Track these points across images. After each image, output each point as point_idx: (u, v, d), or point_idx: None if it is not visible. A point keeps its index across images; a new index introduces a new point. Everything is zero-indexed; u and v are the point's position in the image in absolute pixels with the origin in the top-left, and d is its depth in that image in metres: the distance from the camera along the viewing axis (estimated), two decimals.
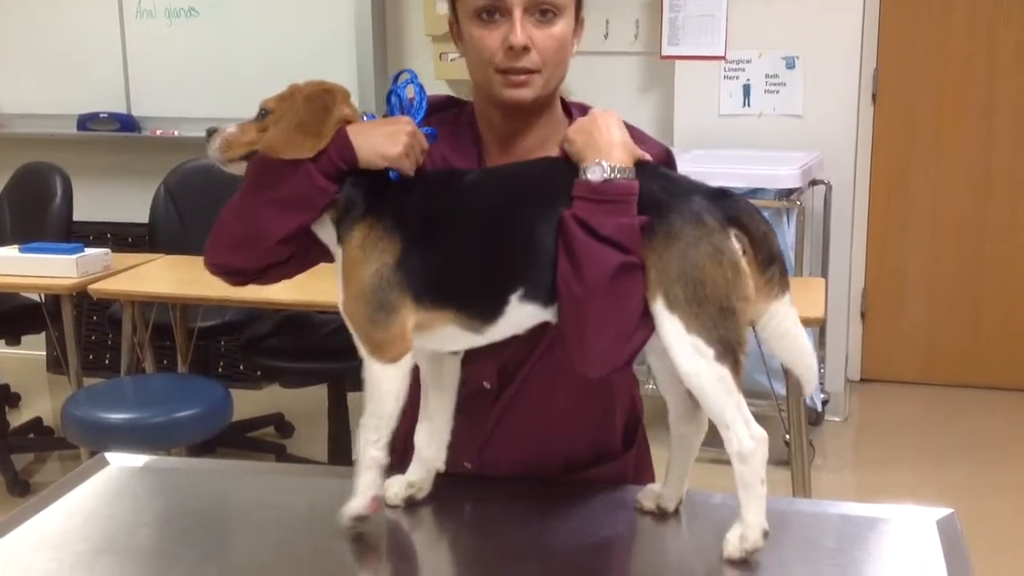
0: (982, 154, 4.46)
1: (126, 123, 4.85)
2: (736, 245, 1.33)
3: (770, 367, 3.63)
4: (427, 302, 1.38)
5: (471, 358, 1.50)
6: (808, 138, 4.15)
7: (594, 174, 1.35)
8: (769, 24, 4.26)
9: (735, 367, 1.31)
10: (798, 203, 3.76)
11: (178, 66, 4.78)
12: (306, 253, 1.47)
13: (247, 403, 4.29)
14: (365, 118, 1.47)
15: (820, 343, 4.30)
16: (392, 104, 1.48)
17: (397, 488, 1.51)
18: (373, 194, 1.41)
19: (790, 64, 4.24)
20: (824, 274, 4.15)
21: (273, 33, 4.66)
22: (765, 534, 1.32)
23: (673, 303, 1.31)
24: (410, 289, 1.37)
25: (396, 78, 1.50)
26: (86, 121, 4.86)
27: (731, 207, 1.35)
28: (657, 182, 1.37)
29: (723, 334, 1.30)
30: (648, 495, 1.51)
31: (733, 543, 1.33)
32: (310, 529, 1.49)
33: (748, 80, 4.26)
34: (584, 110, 1.50)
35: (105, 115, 4.85)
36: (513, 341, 1.44)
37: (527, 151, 1.52)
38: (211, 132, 1.46)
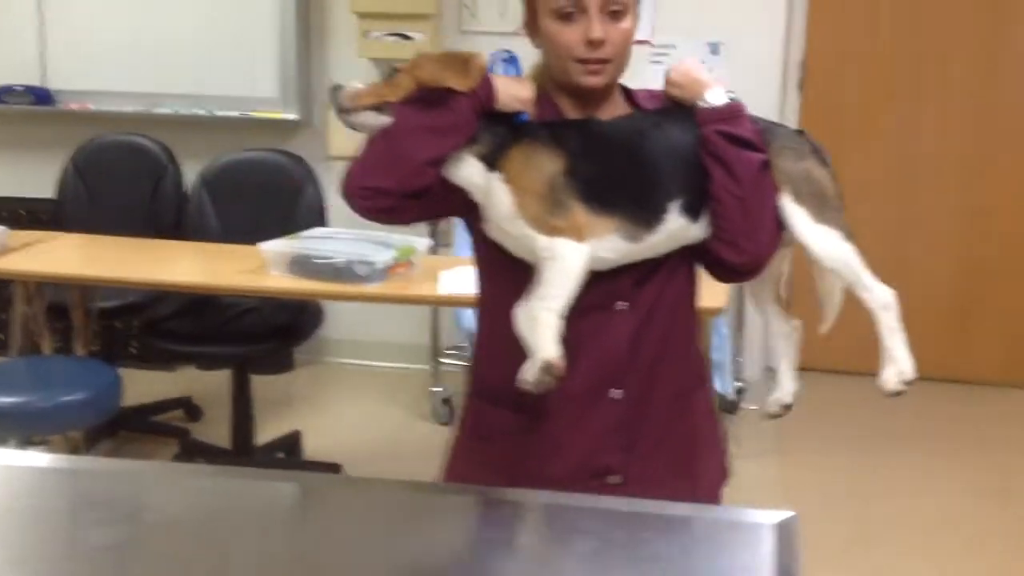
0: (910, 141, 4.45)
1: (41, 96, 4.72)
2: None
3: None
4: (596, 207, 1.60)
5: (604, 280, 1.65)
6: None
7: (717, 99, 1.65)
8: (695, 9, 4.21)
9: (855, 246, 1.65)
10: None
11: (95, 38, 4.65)
12: (438, 198, 1.64)
13: (160, 384, 4.22)
14: None
15: (737, 333, 4.28)
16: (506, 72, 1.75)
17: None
18: (515, 130, 1.64)
19: (715, 50, 4.19)
20: None
21: (194, 6, 4.54)
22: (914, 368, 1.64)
23: (799, 197, 1.65)
24: (579, 194, 1.60)
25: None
26: (1, 94, 4.73)
27: (810, 140, 1.71)
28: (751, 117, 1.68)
29: (842, 222, 1.66)
30: (772, 403, 1.80)
31: (892, 379, 1.66)
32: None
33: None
34: (629, 91, 1.75)
35: (20, 87, 4.71)
36: (641, 266, 1.67)
37: None
38: (337, 88, 1.66)
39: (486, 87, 1.62)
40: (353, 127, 1.67)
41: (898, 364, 1.66)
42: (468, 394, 1.83)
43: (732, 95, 1.66)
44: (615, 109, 1.73)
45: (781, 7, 4.16)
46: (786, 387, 1.80)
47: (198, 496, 1.56)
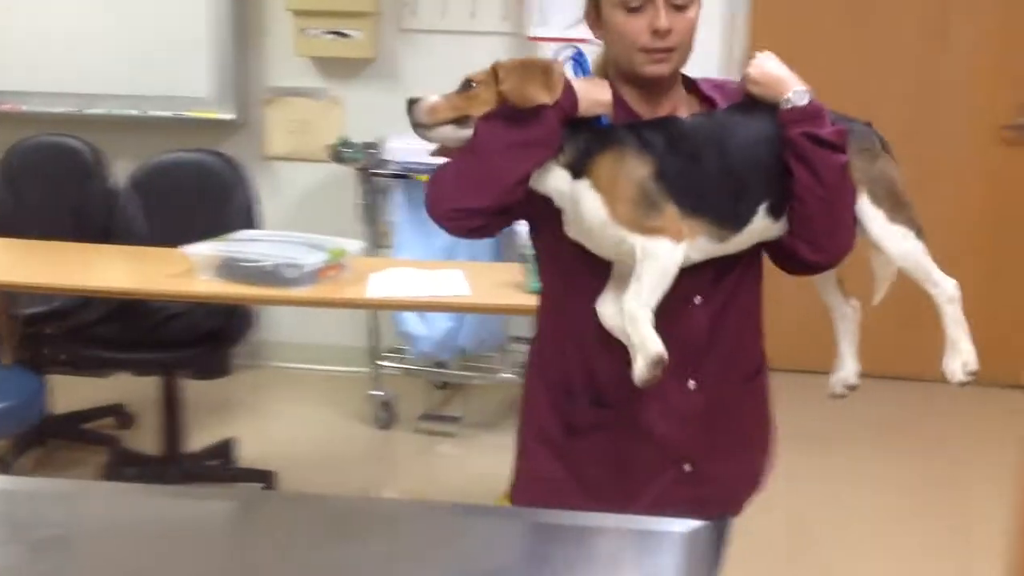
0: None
1: None
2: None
3: None
4: (687, 209, 1.63)
5: (683, 276, 1.65)
6: None
7: (801, 99, 1.67)
8: None
9: (925, 242, 1.72)
10: None
11: (26, 39, 4.53)
12: (521, 208, 1.67)
13: (94, 391, 4.12)
14: None
15: None
16: (575, 70, 1.75)
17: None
18: (599, 136, 1.65)
19: None
20: None
21: (127, 5, 4.44)
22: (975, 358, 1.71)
23: (876, 198, 1.71)
24: (671, 196, 1.62)
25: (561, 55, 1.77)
26: None
27: (878, 134, 1.77)
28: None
29: (915, 220, 1.72)
30: (836, 383, 1.86)
31: (959, 371, 1.72)
32: None
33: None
34: (691, 82, 1.77)
35: None
36: (719, 262, 1.71)
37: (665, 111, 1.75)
38: (413, 101, 1.65)
39: (569, 95, 1.64)
40: (430, 140, 1.68)
41: (963, 355, 1.72)
42: (533, 391, 1.84)
43: (811, 93, 1.68)
44: (678, 99, 1.76)
45: (725, 2, 4.13)
46: (850, 367, 1.86)
47: (125, 514, 1.50)
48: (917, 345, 4.57)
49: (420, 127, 1.66)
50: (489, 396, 4.38)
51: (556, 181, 1.66)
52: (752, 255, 1.77)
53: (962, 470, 3.78)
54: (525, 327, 4.41)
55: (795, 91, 1.68)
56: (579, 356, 1.75)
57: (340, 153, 4.13)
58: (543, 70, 1.63)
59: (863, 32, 4.41)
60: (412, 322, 4.01)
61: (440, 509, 1.51)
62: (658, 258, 1.61)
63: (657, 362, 1.58)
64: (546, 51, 4.17)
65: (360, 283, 3.04)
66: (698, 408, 1.76)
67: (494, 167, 1.62)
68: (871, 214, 1.72)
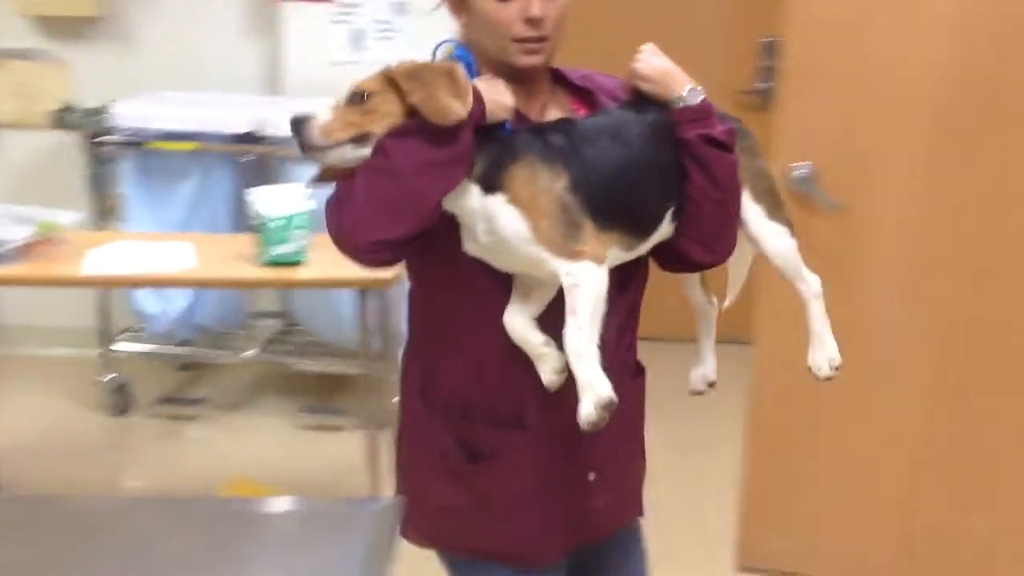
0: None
1: None
2: None
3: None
4: (600, 221, 1.54)
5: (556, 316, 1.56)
6: None
7: (694, 98, 1.62)
8: None
9: (796, 240, 1.73)
10: None
11: None
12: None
13: None
14: None
15: None
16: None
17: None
18: (506, 145, 1.53)
19: (401, 10, 4.06)
20: None
21: None
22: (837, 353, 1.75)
23: (756, 195, 1.71)
24: (588, 209, 1.53)
25: (435, 51, 1.63)
26: None
27: (750, 132, 1.75)
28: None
29: (788, 218, 1.74)
30: (697, 380, 1.87)
31: (825, 365, 1.76)
32: None
33: (359, 25, 4.06)
34: (559, 74, 1.69)
35: None
36: (623, 268, 1.64)
37: (539, 106, 1.66)
38: (300, 120, 1.45)
39: (477, 102, 1.50)
40: (322, 163, 1.49)
41: (828, 350, 1.77)
42: (418, 413, 1.71)
43: (700, 89, 1.64)
44: (549, 92, 1.69)
45: None
46: (710, 363, 1.87)
47: None
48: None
49: (313, 149, 1.46)
50: (234, 375, 4.22)
51: (465, 197, 1.52)
52: (645, 259, 1.73)
53: (699, 427, 3.87)
54: (267, 302, 4.26)
55: (688, 89, 1.63)
56: (479, 375, 1.64)
57: (63, 119, 3.83)
58: (447, 75, 1.47)
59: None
60: (146, 300, 3.78)
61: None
62: (588, 285, 1.49)
63: (607, 405, 1.46)
64: (289, 13, 4.02)
65: (77, 259, 2.82)
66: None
67: (412, 191, 1.46)
68: (752, 211, 1.71)
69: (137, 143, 3.66)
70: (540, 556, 1.72)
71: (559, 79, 1.71)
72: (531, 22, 1.56)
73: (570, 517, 1.73)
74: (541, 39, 1.59)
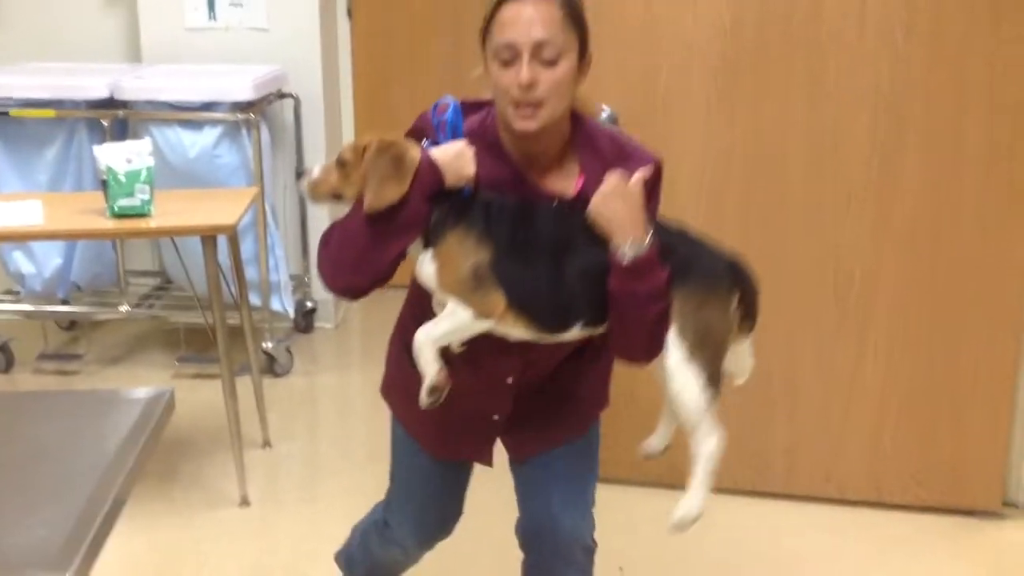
0: (450, 64, 4.68)
1: None
2: (735, 305, 1.81)
3: (251, 280, 3.67)
4: (514, 301, 1.76)
5: (498, 355, 1.89)
6: (274, 52, 4.16)
7: (635, 251, 1.74)
8: None
9: (715, 395, 1.77)
10: (253, 116, 3.78)
11: None
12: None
13: None
14: (426, 144, 1.83)
15: (303, 253, 4.40)
16: (448, 131, 1.84)
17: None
18: (456, 211, 1.78)
19: None
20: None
21: None
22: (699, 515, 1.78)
23: (683, 336, 1.76)
24: (502, 289, 1.75)
25: (436, 107, 1.85)
26: None
27: (740, 275, 1.84)
28: (680, 241, 1.82)
29: (713, 369, 1.77)
30: (647, 448, 2.00)
31: (685, 515, 1.77)
32: None
33: None
34: (589, 136, 1.87)
35: None
36: (543, 347, 1.87)
37: (547, 167, 1.86)
38: (300, 173, 1.89)
39: (433, 174, 1.77)
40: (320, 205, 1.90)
41: (695, 503, 1.77)
42: (400, 350, 2.03)
43: (645, 245, 1.73)
44: (565, 148, 1.86)
45: None
46: (660, 439, 2.00)
47: None
48: None
49: (309, 197, 1.87)
50: (114, 332, 4.39)
51: (415, 247, 1.82)
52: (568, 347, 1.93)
53: None
54: (142, 261, 4.44)
55: (631, 243, 1.74)
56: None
57: None
58: (394, 162, 1.76)
59: None
60: (19, 261, 3.94)
61: None
62: (463, 319, 1.77)
63: (433, 390, 1.78)
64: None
65: None
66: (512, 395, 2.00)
67: (367, 255, 1.79)
68: (672, 344, 1.76)
69: (2, 112, 3.80)
70: (435, 451, 2.08)
71: (587, 141, 1.87)
72: (523, 87, 1.73)
73: (474, 438, 2.06)
74: (534, 104, 1.75)
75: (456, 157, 1.80)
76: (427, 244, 1.80)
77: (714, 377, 1.77)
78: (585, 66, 1.83)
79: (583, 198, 1.81)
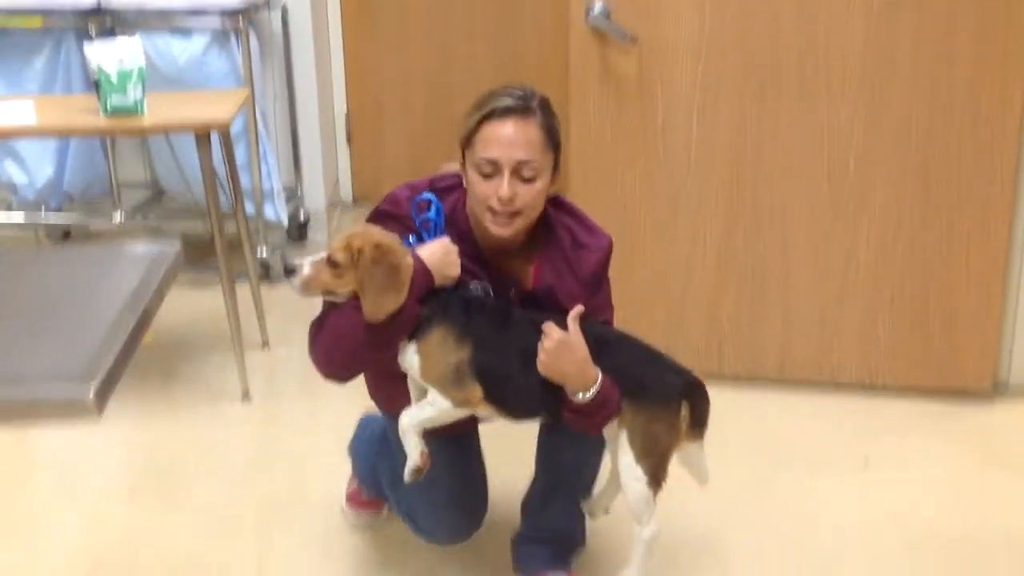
0: None
1: None
2: (684, 414, 2.00)
3: (244, 189, 3.67)
4: (489, 394, 1.95)
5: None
6: None
7: (578, 400, 1.93)
8: None
9: (657, 490, 2.00)
10: (243, 23, 3.75)
11: None
12: None
13: None
14: (411, 242, 1.98)
15: (295, 165, 4.39)
16: (432, 231, 2.00)
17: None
18: (439, 308, 1.94)
19: None
20: (290, 95, 4.23)
21: None
22: None
23: (632, 442, 1.97)
24: (479, 384, 1.93)
25: (416, 204, 2.01)
26: None
27: (690, 387, 2.03)
28: (635, 360, 2.02)
29: (657, 471, 1.99)
30: (596, 505, 2.21)
31: None
32: None
33: None
34: (551, 227, 2.06)
35: None
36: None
37: (510, 254, 2.04)
38: (290, 270, 1.94)
39: (425, 278, 1.92)
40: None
41: None
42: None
43: (594, 389, 1.92)
44: (528, 243, 2.04)
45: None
46: (606, 498, 2.21)
47: None
48: None
49: (299, 292, 1.95)
50: (108, 242, 4.39)
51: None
52: None
53: None
54: (134, 172, 4.41)
55: (582, 390, 1.92)
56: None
57: None
58: (391, 271, 1.88)
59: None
60: (11, 171, 3.93)
61: None
62: (443, 408, 1.95)
63: (416, 470, 1.98)
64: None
65: None
66: None
67: (362, 354, 1.96)
68: (622, 447, 1.99)
69: None
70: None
71: (547, 233, 2.05)
72: (503, 201, 1.91)
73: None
74: (511, 214, 1.94)
75: (443, 257, 1.96)
76: (410, 337, 1.95)
77: (656, 477, 2.00)
78: (557, 178, 2.01)
79: (539, 287, 2.04)
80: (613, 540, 2.38)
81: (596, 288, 2.11)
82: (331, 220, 4.59)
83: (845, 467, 2.82)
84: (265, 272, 3.98)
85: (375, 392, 2.25)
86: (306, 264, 1.92)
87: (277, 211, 4.04)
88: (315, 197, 4.52)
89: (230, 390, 3.17)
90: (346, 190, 4.89)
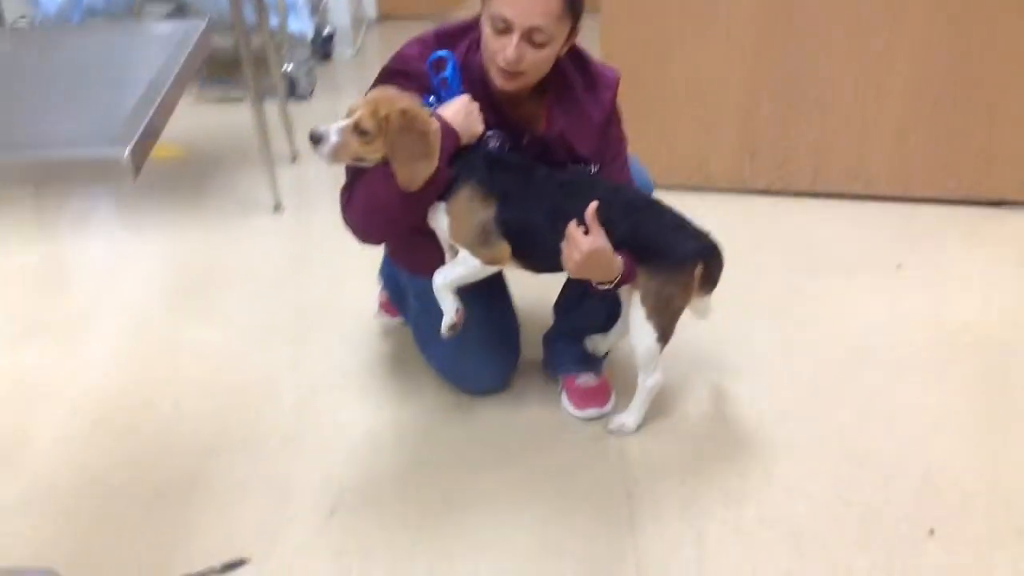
0: None
1: None
2: (697, 274, 2.03)
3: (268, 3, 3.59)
4: (516, 255, 1.98)
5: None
6: None
7: (601, 288, 1.98)
8: None
9: (664, 345, 2.07)
10: None
11: None
12: None
13: None
14: (432, 103, 1.94)
15: None
16: (450, 87, 1.96)
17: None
18: (465, 166, 1.94)
19: None
20: None
21: None
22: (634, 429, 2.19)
23: (644, 300, 2.02)
24: (505, 238, 1.96)
25: (431, 63, 1.95)
26: None
27: (705, 248, 2.04)
28: (660, 228, 2.01)
29: (666, 329, 2.06)
30: (596, 345, 2.29)
31: (623, 425, 2.18)
32: None
33: None
34: (562, 70, 2.01)
35: None
36: None
37: (523, 100, 2.02)
38: (317, 138, 1.87)
39: (451, 139, 1.90)
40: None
41: (632, 418, 2.19)
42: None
43: (616, 276, 1.96)
44: (543, 91, 2.01)
45: None
46: (608, 342, 2.30)
47: None
48: None
49: (327, 160, 1.89)
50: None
51: None
52: None
53: None
54: None
55: (603, 285, 1.98)
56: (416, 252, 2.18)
57: None
58: (421, 138, 1.85)
59: None
60: None
61: None
62: (474, 266, 1.98)
63: (452, 326, 2.01)
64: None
65: None
66: None
67: (399, 219, 1.95)
68: (634, 305, 2.03)
69: None
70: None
71: (559, 77, 2.00)
72: (508, 62, 1.88)
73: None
74: (516, 73, 1.91)
75: (467, 116, 1.93)
76: (440, 197, 1.95)
77: (665, 335, 2.06)
78: (572, 40, 1.97)
79: (551, 131, 2.02)
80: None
81: (611, 123, 2.11)
82: (356, 36, 4.51)
83: (879, 272, 2.81)
84: (292, 88, 3.94)
85: (396, 257, 2.27)
86: (333, 132, 1.87)
87: (302, 24, 3.96)
88: (340, 11, 4.43)
89: (262, 202, 3.18)
90: (370, 5, 4.78)
